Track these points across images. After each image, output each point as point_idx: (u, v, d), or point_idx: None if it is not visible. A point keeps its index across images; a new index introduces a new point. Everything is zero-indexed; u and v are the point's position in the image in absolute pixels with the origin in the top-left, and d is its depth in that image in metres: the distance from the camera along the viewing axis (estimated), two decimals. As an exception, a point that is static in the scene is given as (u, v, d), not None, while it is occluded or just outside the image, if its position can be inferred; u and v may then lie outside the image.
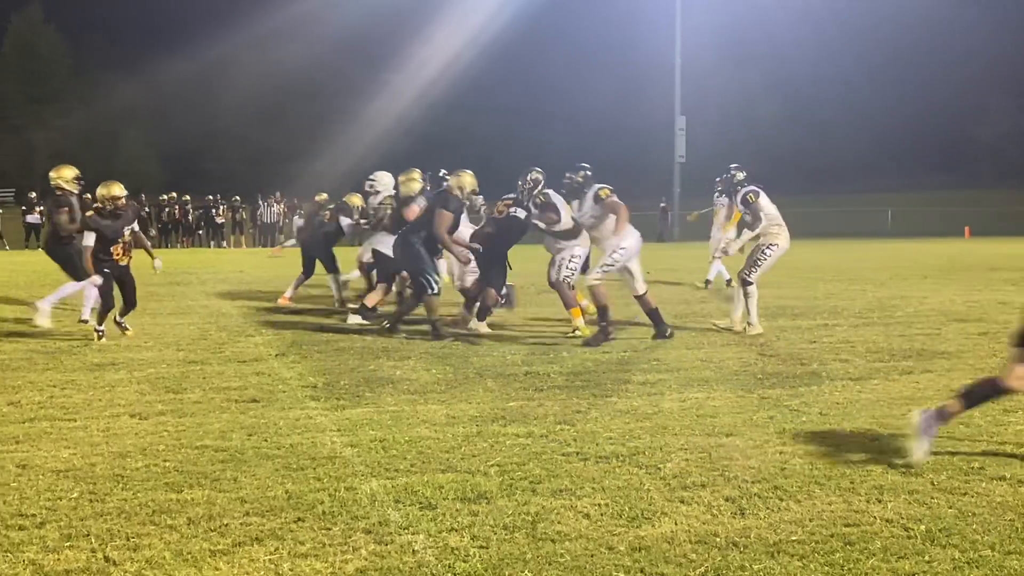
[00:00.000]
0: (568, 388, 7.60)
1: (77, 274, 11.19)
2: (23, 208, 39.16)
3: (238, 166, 64.85)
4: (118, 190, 10.20)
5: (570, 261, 10.41)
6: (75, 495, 4.82)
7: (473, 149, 64.52)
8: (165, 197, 41.00)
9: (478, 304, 11.01)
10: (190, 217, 41.00)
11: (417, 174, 12.31)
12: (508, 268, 11.13)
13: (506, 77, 74.57)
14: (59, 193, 11.52)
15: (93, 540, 4.20)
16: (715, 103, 67.16)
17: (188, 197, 41.64)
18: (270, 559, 3.98)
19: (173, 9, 71.37)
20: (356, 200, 13.60)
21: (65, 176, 11.57)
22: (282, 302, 13.60)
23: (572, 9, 73.17)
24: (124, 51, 69.26)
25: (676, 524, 4.38)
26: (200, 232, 41.34)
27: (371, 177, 13.42)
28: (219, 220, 41.19)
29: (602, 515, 4.50)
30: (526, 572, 3.87)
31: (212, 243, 40.67)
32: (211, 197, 42.27)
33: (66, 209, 11.36)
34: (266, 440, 5.92)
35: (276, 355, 9.29)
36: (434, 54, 64.42)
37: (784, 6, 70.71)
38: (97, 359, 8.89)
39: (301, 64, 66.51)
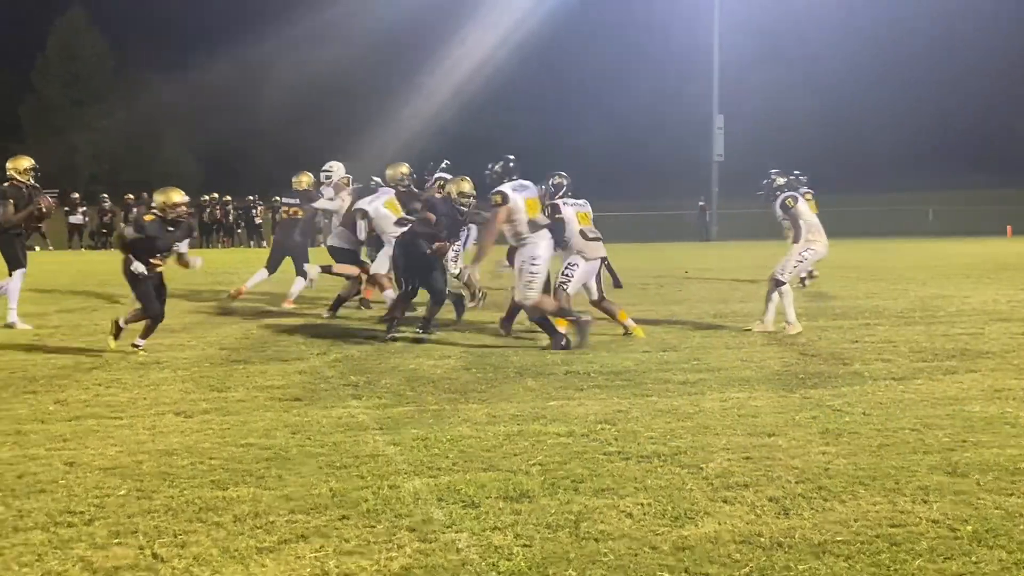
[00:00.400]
0: (608, 387, 7.60)
1: (12, 267, 11.39)
2: (66, 209, 39.66)
3: (276, 167, 65.24)
4: (178, 196, 9.35)
5: (568, 267, 10.28)
6: (122, 492, 4.88)
7: (508, 149, 64.59)
8: (206, 198, 41.34)
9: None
10: (231, 217, 41.37)
11: (406, 168, 12.70)
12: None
13: (541, 76, 74.53)
14: (6, 184, 11.51)
15: (141, 537, 4.26)
16: (751, 101, 66.71)
17: (229, 197, 42.00)
18: (316, 556, 4.02)
19: (212, 11, 71.93)
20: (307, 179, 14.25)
21: (19, 167, 11.43)
22: (287, 305, 13.50)
23: (607, 7, 73.00)
24: (165, 52, 69.93)
25: (720, 524, 4.37)
26: (239, 232, 41.73)
27: (325, 168, 14.09)
28: (258, 220, 41.47)
29: (645, 514, 4.50)
30: (570, 571, 3.87)
31: (252, 243, 40.96)
32: (251, 197, 42.59)
33: (12, 200, 11.33)
34: (310, 438, 5.97)
35: (317, 354, 9.35)
36: (469, 53, 64.48)
37: (819, 3, 70.13)
38: (142, 358, 8.99)
39: (337, 64, 66.73)
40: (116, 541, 4.21)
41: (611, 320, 10.61)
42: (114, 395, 7.36)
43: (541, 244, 9.74)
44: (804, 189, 13.19)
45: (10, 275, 11.40)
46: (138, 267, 9.01)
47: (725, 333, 10.70)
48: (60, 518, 4.51)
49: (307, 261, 13.79)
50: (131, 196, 38.33)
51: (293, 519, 4.46)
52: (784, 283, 10.65)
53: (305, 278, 13.62)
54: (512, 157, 10.20)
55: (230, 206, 41.46)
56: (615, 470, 5.23)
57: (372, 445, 5.81)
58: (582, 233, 10.28)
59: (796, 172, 13.03)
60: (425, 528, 4.33)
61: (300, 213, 13.99)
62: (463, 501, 4.70)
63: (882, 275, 19.08)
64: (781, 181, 11.29)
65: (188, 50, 68.53)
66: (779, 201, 10.97)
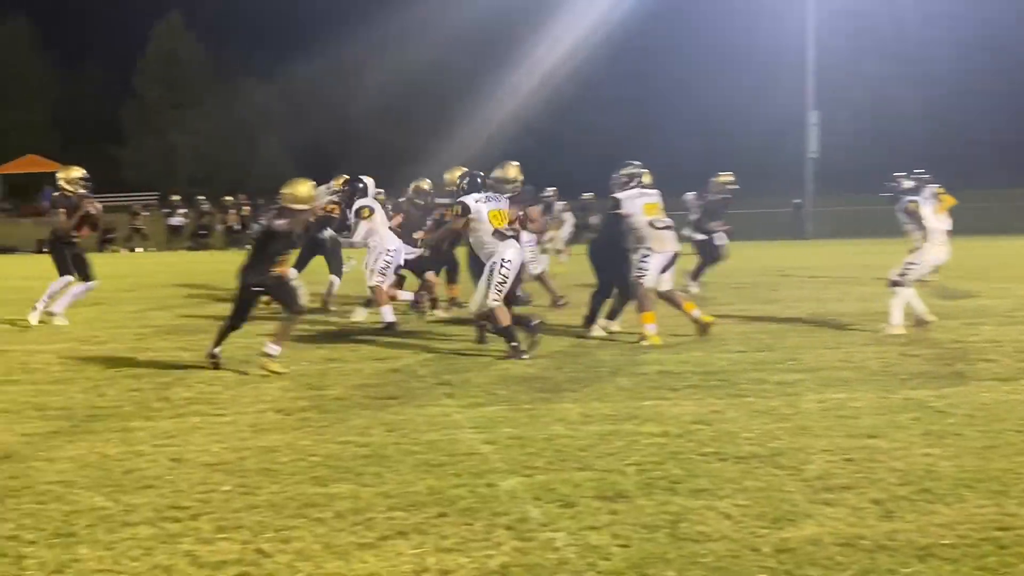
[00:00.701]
0: (703, 387, 7.53)
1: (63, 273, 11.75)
2: (166, 211, 40.68)
3: (369, 167, 65.83)
4: (305, 190, 8.57)
5: (641, 260, 10.16)
6: (227, 488, 4.99)
7: (595, 146, 64.30)
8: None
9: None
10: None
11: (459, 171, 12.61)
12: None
13: (629, 73, 73.94)
14: (56, 193, 11.83)
15: (245, 532, 4.35)
16: (848, 97, 65.40)
17: (326, 199, 42.64)
18: (415, 553, 4.06)
19: (305, 14, 72.92)
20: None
21: (69, 176, 11.81)
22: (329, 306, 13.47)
23: (698, 2, 72.17)
24: (260, 56, 71.08)
25: (821, 526, 4.31)
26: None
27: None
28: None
29: (744, 516, 4.45)
30: (669, 572, 3.85)
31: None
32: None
33: (63, 210, 11.62)
34: (405, 436, 6.04)
35: (410, 353, 9.44)
36: (558, 52, 64.27)
37: (920, -2, 68.50)
38: (242, 355, 9.14)
39: (428, 64, 67.19)
40: (221, 536, 4.31)
41: (680, 311, 10.42)
42: (216, 392, 7.54)
43: (509, 250, 9.44)
44: (932, 188, 12.95)
45: (64, 276, 11.78)
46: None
47: (823, 332, 10.53)
48: (167, 513, 4.63)
49: (339, 259, 13.91)
50: (229, 197, 39.11)
51: (392, 516, 4.51)
52: (900, 284, 10.44)
53: (340, 276, 13.77)
54: (480, 172, 10.03)
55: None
56: (712, 471, 5.18)
57: (467, 444, 5.85)
58: (651, 224, 10.20)
59: (919, 171, 12.83)
60: (522, 527, 4.35)
61: (336, 211, 14.08)
62: (559, 500, 4.71)
63: (986, 273, 18.56)
64: (908, 184, 11.13)
65: (282, 53, 69.57)
66: (903, 204, 10.80)
